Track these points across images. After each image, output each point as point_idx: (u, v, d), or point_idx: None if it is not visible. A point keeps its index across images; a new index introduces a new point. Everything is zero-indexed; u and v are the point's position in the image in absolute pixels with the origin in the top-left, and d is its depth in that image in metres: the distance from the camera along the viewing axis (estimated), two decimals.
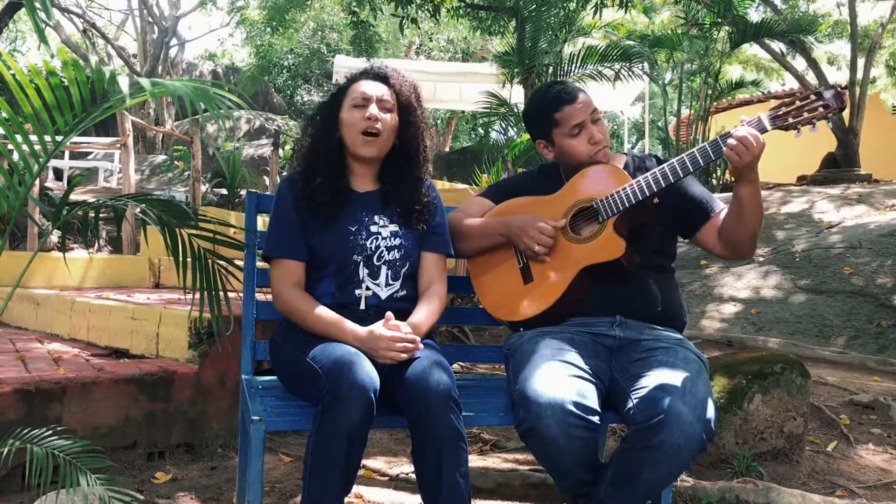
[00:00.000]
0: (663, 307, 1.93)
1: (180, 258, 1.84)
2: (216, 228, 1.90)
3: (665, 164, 1.83)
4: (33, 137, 1.63)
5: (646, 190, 1.84)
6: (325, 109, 1.97)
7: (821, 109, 1.74)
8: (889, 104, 11.88)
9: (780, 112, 1.76)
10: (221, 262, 1.93)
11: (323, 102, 2.01)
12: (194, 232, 1.88)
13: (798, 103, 1.76)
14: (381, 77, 1.95)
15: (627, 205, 1.85)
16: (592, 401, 1.68)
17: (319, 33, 18.01)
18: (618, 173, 1.91)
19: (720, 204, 1.98)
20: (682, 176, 1.82)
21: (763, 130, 1.74)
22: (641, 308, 1.91)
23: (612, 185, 1.89)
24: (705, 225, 1.96)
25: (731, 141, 1.72)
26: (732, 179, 1.82)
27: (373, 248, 1.88)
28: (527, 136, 6.43)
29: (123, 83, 1.42)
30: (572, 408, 1.62)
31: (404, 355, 1.69)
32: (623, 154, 2.12)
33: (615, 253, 1.84)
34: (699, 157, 1.80)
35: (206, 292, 1.90)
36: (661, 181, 1.83)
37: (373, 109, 1.88)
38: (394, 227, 1.92)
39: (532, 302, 1.94)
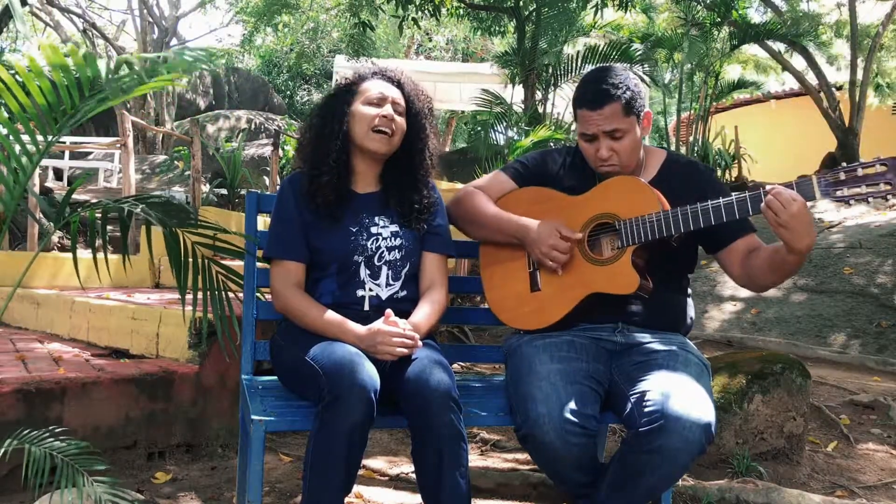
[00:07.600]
0: (669, 319, 1.91)
1: (181, 261, 1.83)
2: (218, 236, 1.88)
3: (699, 205, 1.70)
4: (26, 137, 1.62)
5: (672, 228, 1.72)
6: (335, 101, 1.94)
7: (883, 187, 1.53)
8: (875, 105, 11.75)
9: (833, 180, 1.57)
10: (221, 271, 1.92)
11: (331, 94, 1.98)
12: (198, 240, 1.86)
13: (860, 172, 1.55)
14: (396, 81, 1.95)
15: (650, 238, 1.75)
16: (590, 406, 1.67)
17: (319, 32, 17.99)
18: (647, 194, 1.78)
19: (751, 227, 1.86)
20: (713, 223, 1.70)
21: (811, 196, 1.58)
22: (647, 320, 1.88)
23: (639, 207, 1.77)
24: (731, 245, 1.86)
25: (768, 197, 1.60)
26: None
27: (373, 249, 1.87)
28: (528, 140, 6.38)
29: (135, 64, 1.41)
30: (569, 415, 1.62)
31: (403, 351, 1.69)
32: (663, 150, 2.00)
33: (626, 289, 1.77)
34: (736, 208, 1.67)
35: (206, 297, 1.89)
36: (691, 223, 1.71)
37: (388, 110, 1.88)
38: (394, 228, 1.91)
39: (535, 316, 1.90)
